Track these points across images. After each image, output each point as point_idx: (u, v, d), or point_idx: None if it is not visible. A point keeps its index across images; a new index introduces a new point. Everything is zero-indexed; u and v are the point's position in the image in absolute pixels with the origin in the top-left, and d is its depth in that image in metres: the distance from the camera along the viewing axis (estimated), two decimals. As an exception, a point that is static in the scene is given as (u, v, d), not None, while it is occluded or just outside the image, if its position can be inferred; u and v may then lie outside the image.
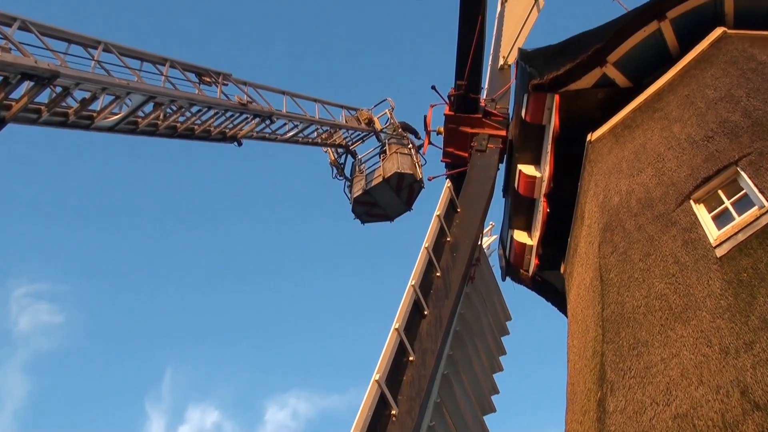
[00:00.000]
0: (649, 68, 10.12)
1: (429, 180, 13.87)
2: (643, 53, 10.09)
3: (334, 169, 15.05)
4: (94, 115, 8.66)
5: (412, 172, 14.09)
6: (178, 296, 40.94)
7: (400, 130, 14.89)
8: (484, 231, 14.42)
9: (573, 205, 10.42)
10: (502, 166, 12.70)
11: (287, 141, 13.17)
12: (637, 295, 7.42)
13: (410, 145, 14.63)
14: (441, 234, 10.20)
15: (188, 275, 41.56)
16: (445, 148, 13.20)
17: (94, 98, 8.37)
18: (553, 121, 10.52)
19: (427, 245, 9.60)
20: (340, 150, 15.18)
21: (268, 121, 12.04)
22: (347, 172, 15.11)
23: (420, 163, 14.53)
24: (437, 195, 11.00)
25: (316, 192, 44.07)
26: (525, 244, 12.01)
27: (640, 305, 7.29)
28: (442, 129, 13.23)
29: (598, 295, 8.12)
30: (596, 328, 7.83)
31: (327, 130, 14.35)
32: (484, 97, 13.67)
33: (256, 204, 43.72)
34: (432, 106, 13.54)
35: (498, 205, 13.02)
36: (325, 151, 15.14)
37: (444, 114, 13.04)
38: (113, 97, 8.72)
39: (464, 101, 12.76)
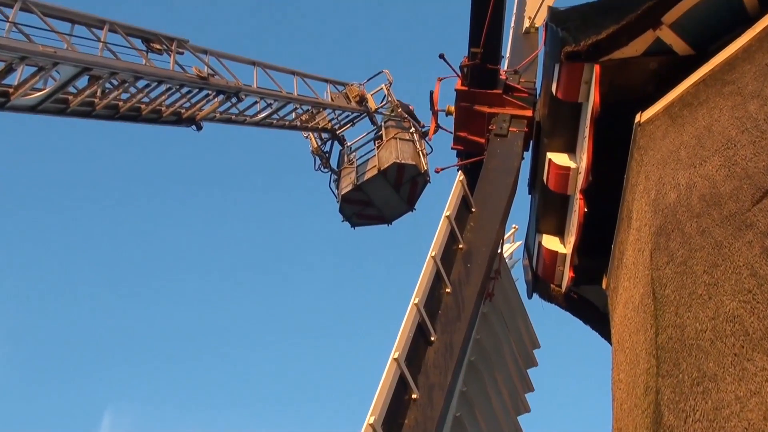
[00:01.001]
0: (718, 31, 9.99)
1: (436, 172, 13.81)
2: (709, 12, 9.96)
3: (317, 158, 15.07)
4: (11, 91, 8.57)
5: (414, 163, 14.10)
6: (116, 317, 40.61)
7: (399, 110, 14.89)
8: (506, 236, 14.46)
9: (617, 204, 10.35)
10: (528, 155, 12.69)
11: (258, 124, 13.20)
12: (702, 317, 7.31)
13: (412, 129, 14.65)
14: (451, 240, 10.13)
15: (130, 289, 41.22)
16: (457, 133, 13.15)
17: (10, 69, 8.24)
18: (593, 98, 10.42)
19: (433, 254, 9.53)
20: (324, 135, 15.22)
21: (234, 99, 12.14)
22: (333, 163, 15.14)
23: (425, 152, 14.56)
24: (446, 191, 10.92)
25: (295, 187, 44.13)
26: (557, 252, 11.92)
27: (706, 329, 7.19)
28: (452, 108, 13.17)
29: (651, 317, 8.06)
30: (649, 359, 7.76)
31: (308, 110, 14.42)
32: (505, 68, 13.67)
33: (220, 202, 43.68)
34: (440, 80, 13.42)
35: (523, 203, 13.37)
36: (306, 137, 15.14)
37: (455, 89, 12.93)
38: (36, 69, 8.57)
39: (480, 73, 12.68)
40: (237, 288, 42.67)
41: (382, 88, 15.16)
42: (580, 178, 10.98)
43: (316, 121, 14.66)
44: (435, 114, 13.84)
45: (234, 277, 42.88)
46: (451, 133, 13.39)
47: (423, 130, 14.80)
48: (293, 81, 13.55)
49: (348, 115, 15.12)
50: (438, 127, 13.89)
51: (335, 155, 15.30)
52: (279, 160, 43.84)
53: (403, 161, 13.92)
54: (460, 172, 11.53)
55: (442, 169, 13.59)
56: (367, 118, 15.17)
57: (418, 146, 14.40)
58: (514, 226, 15.97)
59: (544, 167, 11.65)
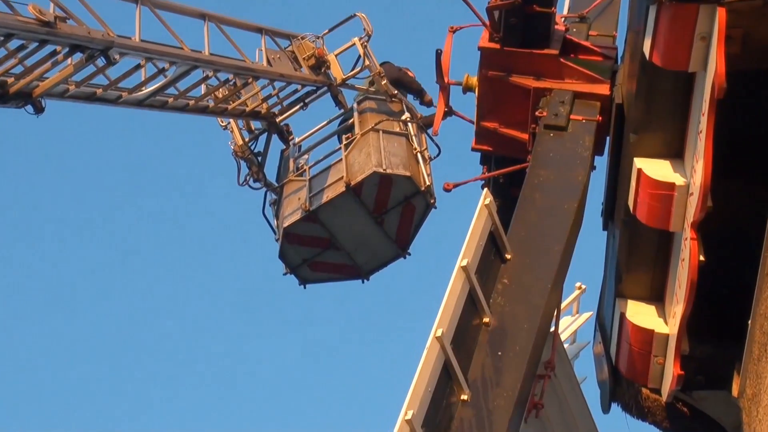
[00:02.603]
0: None
1: (446, 190, 13.83)
2: None
3: (244, 164, 14.85)
4: None
5: (409, 174, 13.86)
6: None
7: (384, 82, 14.65)
8: (564, 303, 14.73)
9: (757, 248, 10.42)
10: (602, 162, 12.82)
11: (142, 104, 13.09)
12: None
13: (406, 116, 14.47)
14: (470, 308, 10.12)
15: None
16: (481, 122, 13.25)
17: None
18: (714, 66, 10.45)
19: (440, 333, 9.45)
20: (256, 125, 15.06)
21: (101, 61, 11.82)
22: (271, 172, 15.07)
23: (427, 155, 14.44)
24: (462, 223, 10.84)
25: (209, 210, 43.73)
26: (652, 331, 11.94)
27: None
28: (474, 80, 13.27)
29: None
30: None
31: (228, 82, 14.10)
32: (565, 12, 13.86)
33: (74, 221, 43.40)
34: (453, 32, 13.54)
35: (593, 245, 13.59)
36: (226, 127, 14.99)
37: (479, 48, 13.03)
38: None
39: (522, 21, 12.78)
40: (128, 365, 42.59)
41: (353, 44, 14.76)
42: (693, 202, 10.99)
43: (242, 100, 14.33)
44: (445, 90, 13.84)
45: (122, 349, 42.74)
46: (472, 122, 13.40)
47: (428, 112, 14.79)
48: (203, 30, 13.30)
49: (296, 91, 14.77)
50: (448, 112, 13.89)
51: (273, 159, 15.14)
52: (178, 165, 43.39)
53: (389, 170, 13.66)
54: (486, 190, 11.26)
55: (456, 186, 13.67)
56: (328, 95, 14.85)
57: (415, 145, 14.18)
58: (578, 285, 16.12)
59: (630, 184, 11.67)
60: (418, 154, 14.12)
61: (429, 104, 14.88)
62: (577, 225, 11.57)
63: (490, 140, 13.24)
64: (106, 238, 44.20)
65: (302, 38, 14.63)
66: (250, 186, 14.79)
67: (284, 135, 15.01)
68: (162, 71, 12.82)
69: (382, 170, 13.61)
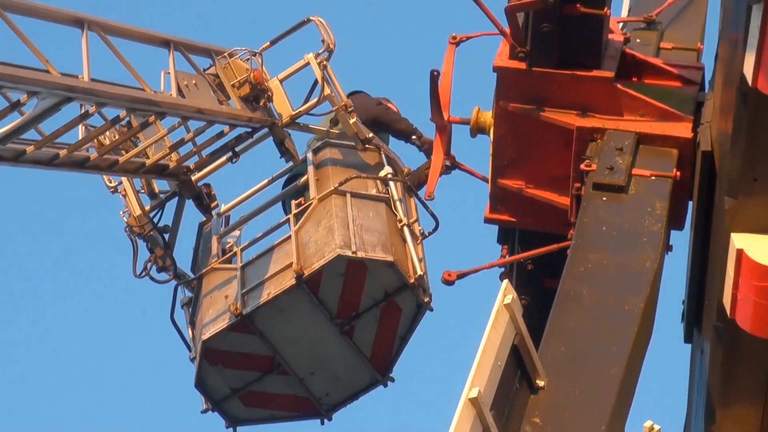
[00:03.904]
0: None
1: (447, 283, 14.08)
2: None
3: (143, 245, 15.08)
4: None
5: (391, 259, 13.99)
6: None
7: (353, 121, 14.78)
8: None
9: None
10: (682, 238, 13.10)
11: None
12: None
13: (386, 171, 14.70)
14: None
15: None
16: (499, 179, 13.56)
17: None
18: None
19: None
20: (161, 186, 15.32)
21: None
22: (183, 261, 15.28)
23: (418, 230, 14.70)
24: (470, 331, 11.09)
25: (95, 316, 43.75)
26: None
27: None
28: (488, 116, 13.59)
29: None
30: None
31: (121, 122, 14.15)
32: (624, 16, 14.35)
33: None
34: (456, 44, 13.91)
35: (671, 363, 14.00)
36: (116, 190, 15.28)
37: (494, 69, 13.29)
38: None
39: (559, 28, 13.01)
40: None
41: (307, 64, 14.86)
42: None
43: (140, 148, 14.36)
44: (444, 131, 14.07)
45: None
46: (486, 180, 13.79)
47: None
48: (81, 43, 13.27)
49: (221, 134, 14.82)
50: (450, 165, 14.22)
51: (188, 236, 15.28)
52: (40, 249, 43.65)
53: (361, 253, 13.73)
54: (506, 282, 11.33)
55: (462, 276, 13.87)
56: (270, 140, 14.91)
57: (400, 215, 14.34)
58: (649, 425, 15.74)
59: (727, 273, 11.74)
60: (405, 229, 14.22)
61: (428, 151, 15.03)
62: (645, 335, 11.71)
63: (513, 207, 13.57)
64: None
65: (231, 55, 14.65)
66: (151, 278, 14.89)
67: (203, 201, 15.06)
68: (17, 106, 12.76)
69: (350, 253, 13.66)
